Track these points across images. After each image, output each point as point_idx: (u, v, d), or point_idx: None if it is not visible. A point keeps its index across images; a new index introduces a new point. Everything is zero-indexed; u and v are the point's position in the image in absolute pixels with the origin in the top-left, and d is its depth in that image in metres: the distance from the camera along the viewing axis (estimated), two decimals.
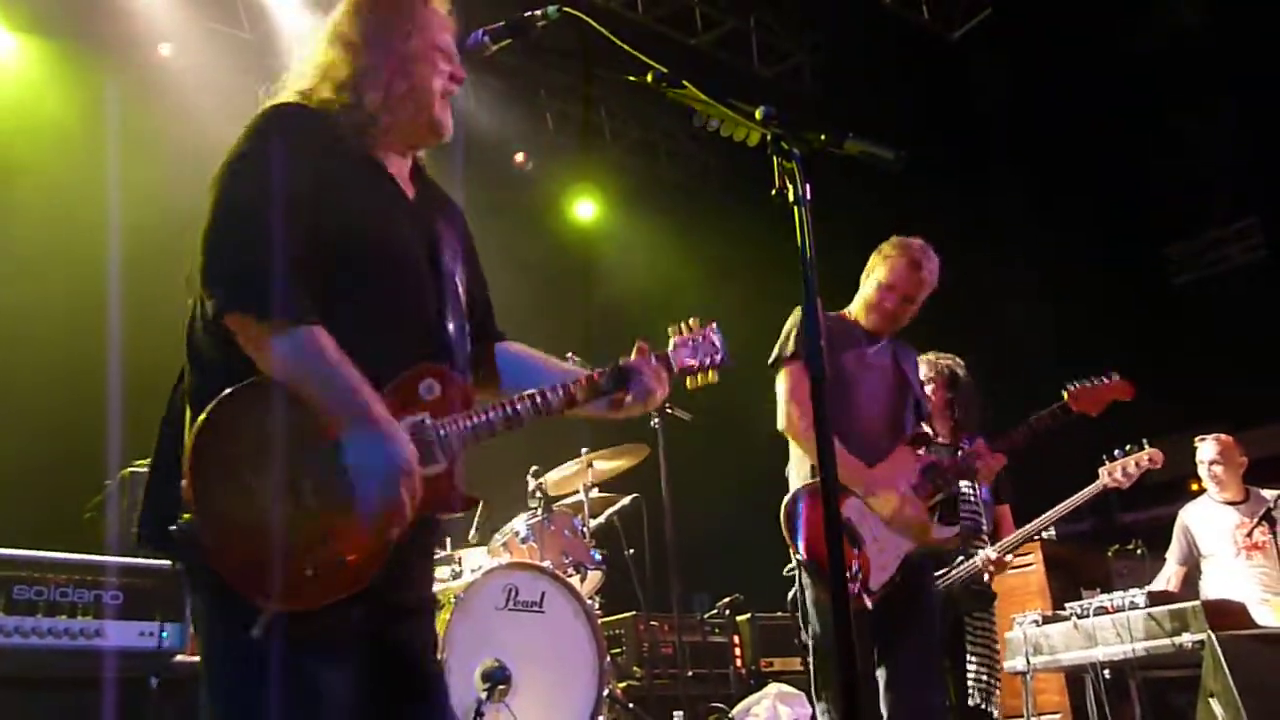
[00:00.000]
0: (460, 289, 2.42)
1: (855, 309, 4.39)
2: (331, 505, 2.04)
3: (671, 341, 2.64)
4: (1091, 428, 4.50)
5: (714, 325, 2.68)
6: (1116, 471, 4.90)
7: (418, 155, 2.50)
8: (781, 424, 4.20)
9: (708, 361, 2.65)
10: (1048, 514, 5.15)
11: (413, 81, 2.35)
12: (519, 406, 2.33)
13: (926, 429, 4.31)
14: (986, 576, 5.03)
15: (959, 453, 4.27)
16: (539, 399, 2.36)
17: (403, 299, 2.25)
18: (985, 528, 5.02)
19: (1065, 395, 4.40)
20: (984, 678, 4.91)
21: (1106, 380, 4.44)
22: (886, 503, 4.00)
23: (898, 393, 4.27)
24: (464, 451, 2.24)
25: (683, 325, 2.66)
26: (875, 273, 4.32)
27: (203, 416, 2.00)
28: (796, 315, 4.25)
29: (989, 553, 4.90)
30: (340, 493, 2.04)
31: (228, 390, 2.02)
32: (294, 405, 2.04)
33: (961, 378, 5.26)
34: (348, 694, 2.08)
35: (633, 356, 2.54)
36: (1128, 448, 4.85)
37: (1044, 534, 6.82)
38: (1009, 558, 5.00)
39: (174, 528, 1.99)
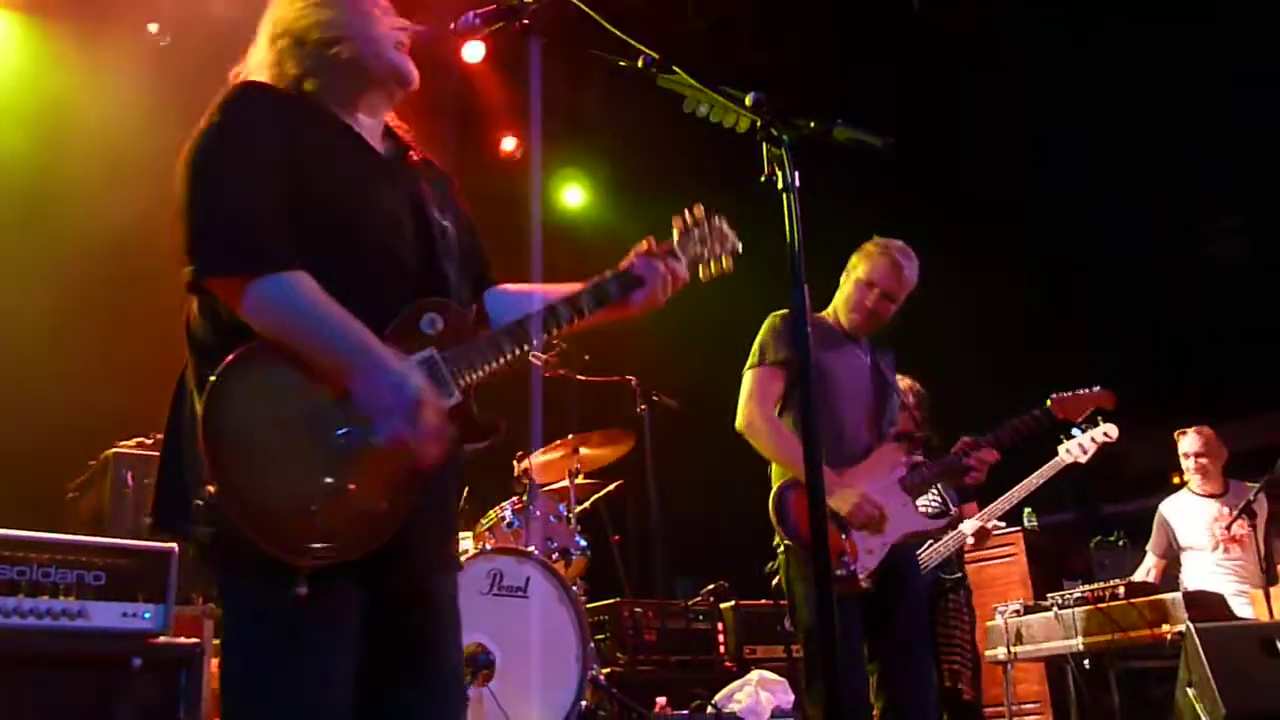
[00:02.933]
0: (452, 239, 2.39)
1: (835, 309, 4.38)
2: (352, 454, 2.02)
3: (675, 232, 2.58)
4: None
5: (715, 211, 2.61)
6: (1074, 448, 4.97)
7: (390, 122, 2.48)
8: (740, 423, 4.21)
9: (719, 249, 2.60)
10: (1013, 490, 5.35)
11: (359, 29, 2.34)
12: (528, 325, 2.28)
13: (910, 427, 4.32)
14: (957, 574, 5.16)
15: (952, 452, 4.27)
16: (546, 313, 2.32)
17: (386, 249, 2.23)
18: (952, 512, 5.14)
19: (1049, 403, 4.45)
20: (955, 660, 5.02)
21: (1089, 390, 4.52)
22: (844, 500, 4.01)
23: (879, 391, 4.28)
24: (477, 379, 2.21)
25: (685, 214, 2.60)
26: (856, 270, 4.30)
27: (209, 388, 1.98)
28: (771, 322, 4.27)
29: (974, 522, 5.06)
30: (360, 441, 2.02)
31: (227, 359, 2.00)
32: (292, 361, 2.03)
33: (927, 400, 5.41)
34: (352, 666, 2.07)
35: (634, 257, 2.49)
36: (1083, 425, 4.88)
37: (1026, 524, 6.91)
38: (992, 524, 5.32)
39: (199, 501, 1.97)
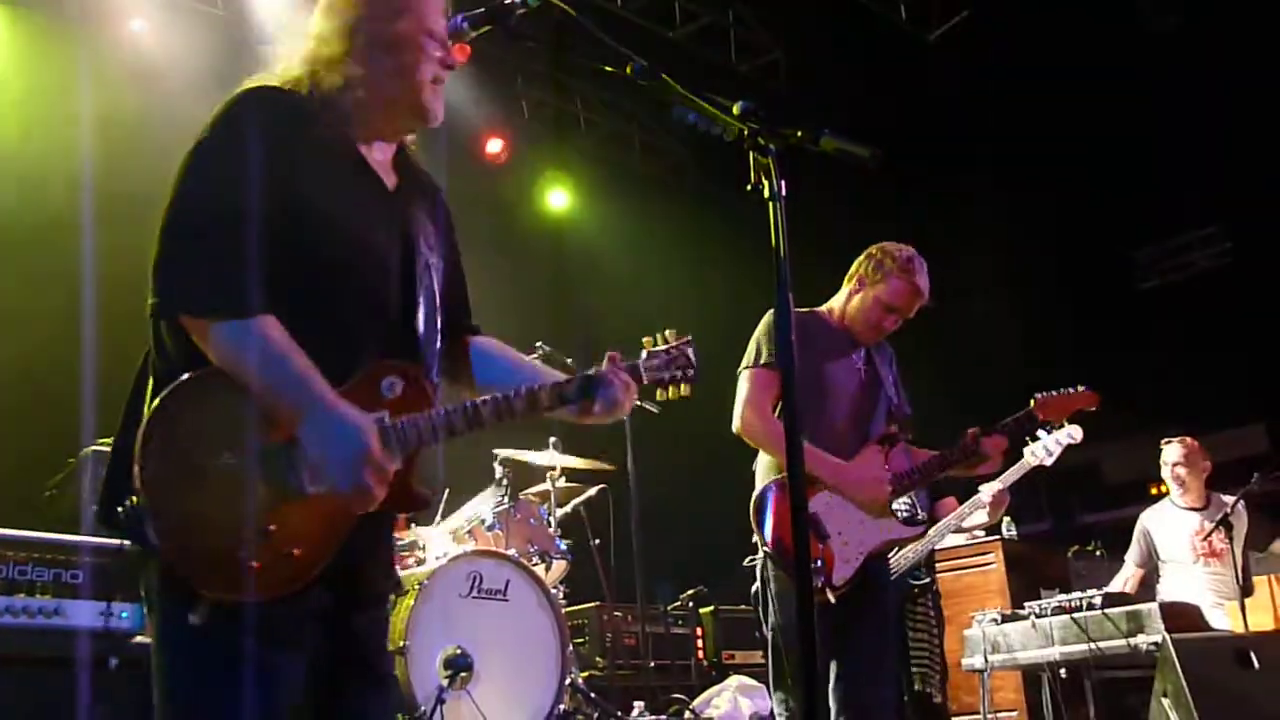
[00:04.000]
0: (435, 282, 2.39)
1: (849, 316, 4.32)
2: (279, 498, 2.02)
3: (643, 353, 2.60)
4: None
5: (689, 339, 2.64)
6: (1039, 450, 4.98)
7: (404, 141, 2.46)
8: (736, 425, 4.18)
9: (679, 375, 2.62)
10: (976, 498, 5.38)
11: (400, 63, 2.31)
12: (482, 409, 2.29)
13: (895, 429, 4.32)
14: (925, 578, 5.19)
15: (962, 444, 4.27)
16: (502, 402, 2.32)
17: (368, 294, 2.22)
18: (921, 516, 5.15)
19: (1032, 403, 4.46)
20: (924, 664, 5.04)
21: (1073, 390, 4.52)
22: (859, 489, 4.04)
23: (867, 393, 4.29)
24: (422, 451, 2.21)
25: (658, 336, 2.63)
26: (875, 288, 4.23)
27: (156, 403, 1.99)
28: (768, 321, 4.25)
29: (993, 486, 5.22)
30: (289, 486, 2.03)
31: (183, 377, 2.00)
32: (246, 395, 2.03)
33: None
34: (293, 681, 2.07)
35: (604, 366, 2.50)
36: (1049, 427, 4.89)
37: (1005, 533, 6.94)
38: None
39: (120, 510, 1.98)
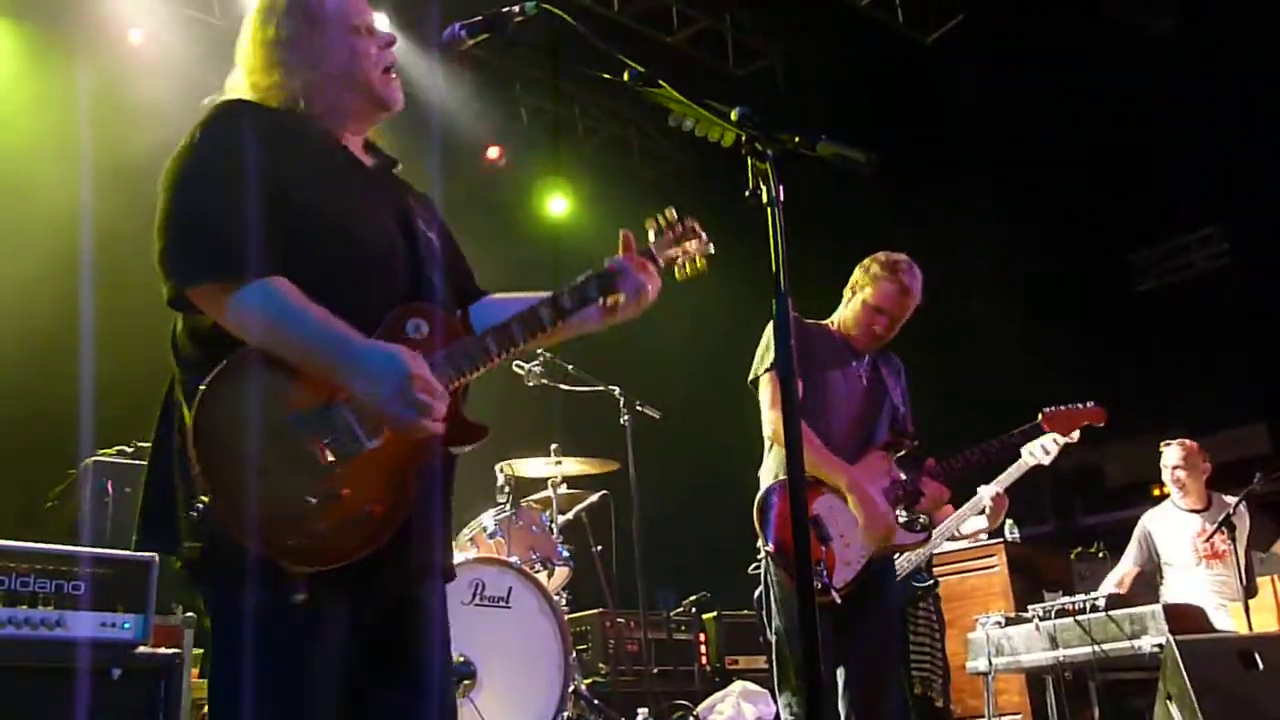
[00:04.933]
0: (437, 252, 2.41)
1: (845, 324, 4.36)
2: (341, 460, 2.03)
3: (650, 234, 2.58)
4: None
5: (690, 217, 2.62)
6: (1037, 449, 4.96)
7: (367, 138, 2.49)
8: (768, 431, 4.22)
9: (694, 249, 2.60)
10: (974, 500, 5.35)
11: (341, 65, 2.34)
12: (511, 325, 2.29)
13: (901, 437, 4.32)
14: (928, 581, 5.18)
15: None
16: (528, 315, 2.32)
17: (379, 264, 2.24)
18: (923, 520, 5.13)
19: (1040, 417, 4.47)
20: (925, 667, 5.03)
21: (1081, 406, 4.52)
22: (866, 507, 4.03)
23: (871, 403, 4.29)
24: (463, 382, 2.21)
25: (659, 216, 2.61)
26: (863, 292, 4.29)
27: (198, 398, 1.99)
28: (771, 329, 4.25)
29: (994, 488, 5.18)
30: (346, 446, 2.03)
31: (217, 368, 2.01)
32: (279, 368, 2.03)
33: None
34: (339, 673, 2.08)
35: (612, 259, 2.49)
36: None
37: (1007, 536, 6.94)
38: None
39: (193, 512, 1.97)
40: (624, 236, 2.54)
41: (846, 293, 4.39)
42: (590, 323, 2.50)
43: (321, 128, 2.34)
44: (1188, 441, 6.53)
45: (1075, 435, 4.91)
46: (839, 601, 3.90)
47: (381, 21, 2.47)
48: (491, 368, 2.25)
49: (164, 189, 2.12)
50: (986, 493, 5.32)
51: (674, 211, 2.61)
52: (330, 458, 2.02)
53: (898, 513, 4.17)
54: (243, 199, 2.07)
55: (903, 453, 4.27)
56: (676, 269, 2.60)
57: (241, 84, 2.37)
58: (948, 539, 5.63)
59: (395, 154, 2.51)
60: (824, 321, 4.43)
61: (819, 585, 3.89)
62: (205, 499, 1.95)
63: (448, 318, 2.27)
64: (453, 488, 2.35)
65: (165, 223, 2.09)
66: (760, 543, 4.12)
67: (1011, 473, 5.19)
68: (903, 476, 4.19)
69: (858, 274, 4.36)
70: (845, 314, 4.37)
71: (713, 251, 2.63)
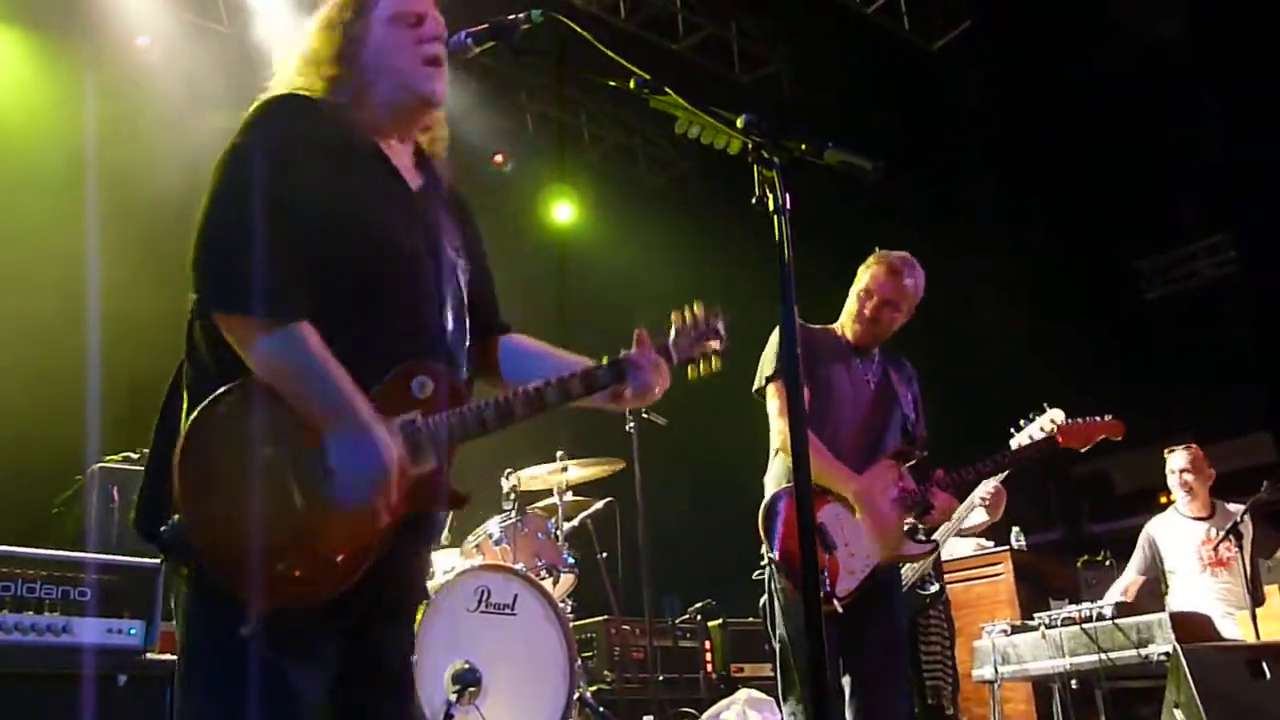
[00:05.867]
0: (462, 281, 2.40)
1: (842, 324, 4.39)
2: (318, 505, 2.04)
3: (673, 330, 2.56)
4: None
5: (716, 310, 2.60)
6: (1024, 439, 4.92)
7: (420, 141, 2.48)
8: (778, 442, 4.20)
9: (709, 350, 2.59)
10: (971, 497, 5.19)
11: (385, 52, 2.34)
12: (513, 402, 2.29)
13: (911, 446, 4.31)
14: (934, 587, 5.13)
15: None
16: (532, 394, 2.32)
17: (398, 294, 2.23)
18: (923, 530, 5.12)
19: (1056, 429, 4.44)
20: (936, 676, 5.00)
21: (1099, 419, 4.49)
22: (873, 512, 4.02)
23: (880, 408, 4.28)
24: (457, 448, 2.22)
25: (685, 312, 2.58)
26: (857, 283, 4.34)
27: (191, 419, 2.01)
28: (776, 337, 4.26)
29: (989, 483, 5.00)
30: (326, 492, 2.04)
31: (217, 392, 2.03)
32: (281, 406, 2.04)
33: None
34: (317, 694, 2.08)
35: (633, 349, 2.48)
36: (1031, 415, 4.85)
37: (1014, 544, 6.92)
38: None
39: (163, 529, 2.00)
40: (638, 335, 2.50)
41: (850, 294, 4.40)
42: (592, 403, 2.49)
43: (363, 133, 2.32)
44: (1193, 446, 6.53)
45: (1061, 418, 4.82)
46: (841, 611, 3.89)
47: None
48: (484, 434, 2.26)
49: (209, 190, 2.11)
50: (983, 488, 5.26)
51: (701, 308, 2.58)
52: (308, 501, 2.03)
53: (906, 523, 4.16)
54: (284, 219, 2.07)
55: (912, 462, 4.25)
56: (690, 367, 2.59)
57: (291, 75, 2.36)
58: (953, 536, 5.58)
59: (443, 165, 2.50)
60: (829, 326, 4.43)
61: (821, 593, 3.88)
62: (177, 517, 1.97)
63: (454, 379, 2.27)
64: (436, 536, 2.38)
65: (204, 232, 2.08)
66: (765, 549, 4.12)
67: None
68: (912, 486, 4.17)
69: (859, 272, 4.38)
70: (846, 313, 4.39)
71: (725, 356, 2.62)
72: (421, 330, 2.26)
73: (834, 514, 4.05)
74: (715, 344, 2.59)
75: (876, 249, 4.38)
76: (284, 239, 2.06)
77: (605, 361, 2.45)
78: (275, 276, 2.04)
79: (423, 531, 2.29)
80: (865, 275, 4.32)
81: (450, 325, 2.32)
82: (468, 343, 2.41)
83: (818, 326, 4.40)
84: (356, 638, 2.17)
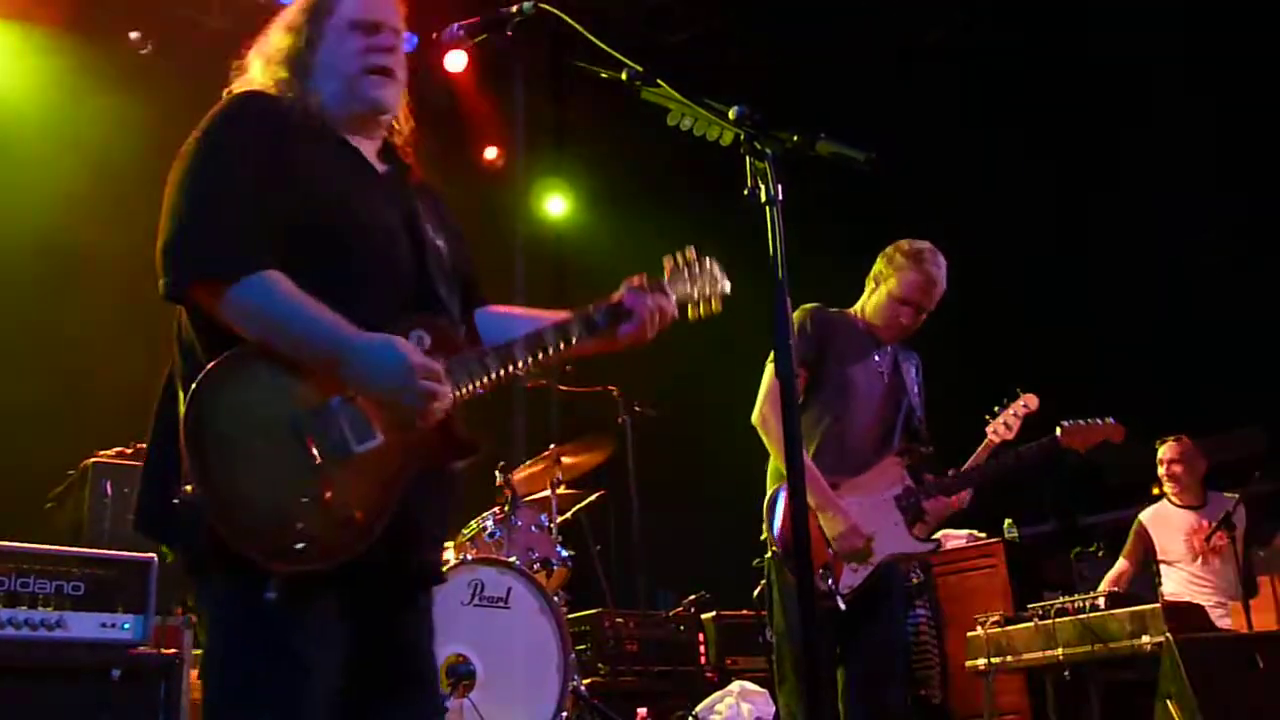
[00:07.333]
0: (443, 257, 2.40)
1: (867, 314, 4.33)
2: (329, 463, 2.03)
3: (667, 271, 2.57)
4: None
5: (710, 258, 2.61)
6: (999, 427, 4.90)
7: (388, 137, 2.49)
8: (755, 417, 4.17)
9: (708, 290, 2.59)
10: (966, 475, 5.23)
11: (331, 60, 2.35)
12: (514, 345, 2.29)
13: (916, 442, 4.29)
14: (915, 577, 5.13)
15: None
16: (533, 337, 2.32)
17: (383, 265, 2.24)
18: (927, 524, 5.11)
19: (1058, 431, 4.44)
20: (924, 664, 5.01)
21: (1100, 421, 4.48)
22: (833, 525, 4.00)
23: (891, 401, 4.27)
24: (460, 398, 2.20)
25: (677, 255, 2.60)
26: (887, 284, 4.25)
27: (193, 388, 2.00)
28: (799, 317, 4.20)
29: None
30: (335, 448, 2.03)
31: (215, 361, 2.02)
32: (279, 364, 2.04)
33: None
34: (336, 675, 2.08)
35: (624, 291, 2.49)
36: (1005, 400, 4.83)
37: (1006, 535, 6.93)
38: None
39: (176, 500, 1.99)
40: (638, 275, 2.52)
41: (869, 282, 4.34)
42: (591, 348, 2.49)
43: (328, 127, 2.33)
44: (1183, 437, 6.55)
45: (1034, 403, 4.74)
46: (843, 607, 3.89)
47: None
48: (489, 388, 2.25)
49: (171, 181, 2.13)
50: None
51: (693, 250, 2.59)
52: (319, 458, 2.02)
53: (907, 522, 4.15)
54: (242, 194, 2.09)
55: (916, 460, 4.24)
56: (690, 307, 2.59)
57: (257, 75, 2.38)
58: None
59: (411, 157, 2.51)
60: (848, 310, 4.38)
61: (825, 590, 3.89)
62: (189, 488, 1.96)
63: (450, 330, 2.27)
64: (455, 497, 2.35)
65: (168, 216, 2.09)
66: (765, 537, 4.11)
67: (979, 454, 5.12)
68: (914, 485, 4.15)
69: (880, 264, 4.30)
70: (869, 305, 4.32)
71: (728, 292, 2.62)
72: (409, 296, 2.26)
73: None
74: (712, 283, 2.59)
75: (906, 243, 4.26)
76: (243, 211, 2.07)
77: (602, 305, 2.46)
78: (234, 238, 2.05)
79: (437, 489, 2.24)
80: (897, 279, 4.22)
81: (442, 291, 2.33)
82: (457, 311, 2.41)
83: (835, 310, 4.34)
84: (375, 623, 2.16)
